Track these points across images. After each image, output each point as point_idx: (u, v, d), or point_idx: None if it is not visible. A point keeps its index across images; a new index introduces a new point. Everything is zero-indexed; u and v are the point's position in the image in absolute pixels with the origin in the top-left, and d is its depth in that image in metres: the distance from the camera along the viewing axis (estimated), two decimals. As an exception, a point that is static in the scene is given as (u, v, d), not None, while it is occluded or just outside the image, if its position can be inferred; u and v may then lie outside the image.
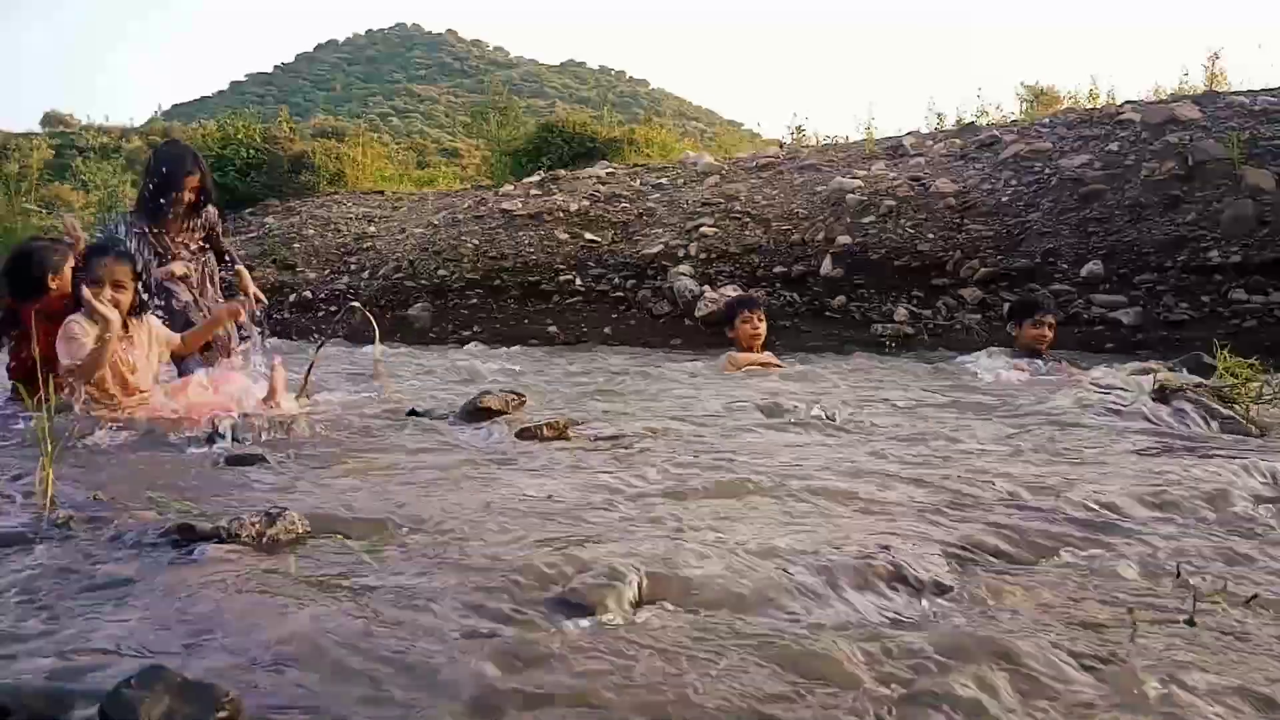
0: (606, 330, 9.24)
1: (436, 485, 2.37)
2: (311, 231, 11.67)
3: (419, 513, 2.06)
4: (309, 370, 3.95)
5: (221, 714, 1.07)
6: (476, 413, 3.52)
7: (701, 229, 9.05)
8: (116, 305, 3.52)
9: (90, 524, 1.95)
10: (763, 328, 6.27)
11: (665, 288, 8.99)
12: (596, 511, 2.11)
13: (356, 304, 4.17)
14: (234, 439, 2.98)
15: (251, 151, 12.89)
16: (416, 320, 10.22)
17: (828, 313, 8.23)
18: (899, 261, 8.16)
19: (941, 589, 1.68)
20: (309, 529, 1.89)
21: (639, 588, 1.59)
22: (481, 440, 3.09)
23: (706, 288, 8.71)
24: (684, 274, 8.85)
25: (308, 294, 11.03)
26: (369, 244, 11.17)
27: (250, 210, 12.93)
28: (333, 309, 10.87)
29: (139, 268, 3.75)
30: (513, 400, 3.73)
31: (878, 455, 2.85)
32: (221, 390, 3.79)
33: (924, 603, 1.63)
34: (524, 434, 3.11)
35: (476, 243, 10.11)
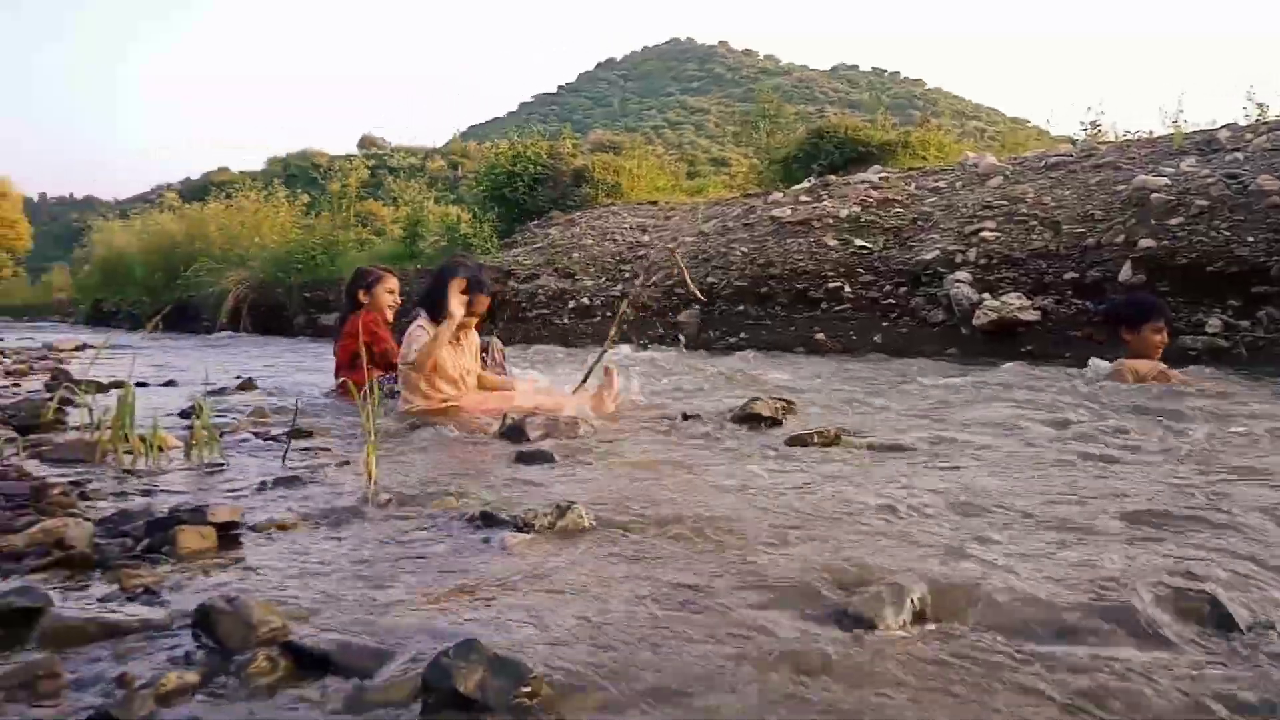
0: (876, 338, 9.01)
1: (711, 488, 2.42)
2: (589, 241, 12.26)
3: (697, 513, 2.11)
4: (599, 357, 4.18)
5: (526, 688, 1.16)
6: (747, 418, 3.55)
7: (982, 233, 8.61)
8: (472, 314, 3.99)
9: (406, 506, 2.17)
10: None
11: (940, 295, 8.63)
12: (873, 521, 2.07)
13: (671, 245, 4.39)
14: (526, 436, 3.20)
15: (538, 168, 13.75)
16: (686, 326, 10.46)
17: (1125, 323, 7.55)
18: (1212, 267, 7.35)
19: (1267, 628, 1.50)
20: (594, 522, 1.99)
21: (919, 603, 1.54)
22: (753, 446, 3.12)
23: (986, 295, 8.27)
24: (962, 281, 8.46)
25: (585, 300, 11.59)
26: (642, 252, 11.58)
27: (535, 222, 13.78)
28: (608, 314, 11.38)
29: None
30: (782, 407, 3.74)
31: (1190, 481, 2.58)
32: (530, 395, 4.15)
33: (1243, 642, 1.46)
34: (795, 441, 3.10)
35: (745, 250, 10.20)
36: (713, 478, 2.55)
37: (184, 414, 3.68)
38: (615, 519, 2.05)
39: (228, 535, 1.87)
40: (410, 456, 2.91)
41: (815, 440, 3.07)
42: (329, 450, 3.00)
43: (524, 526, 1.93)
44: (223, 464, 2.61)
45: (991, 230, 8.57)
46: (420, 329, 4.29)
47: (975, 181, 9.71)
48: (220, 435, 3.13)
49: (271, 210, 19.45)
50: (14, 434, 2.99)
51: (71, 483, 2.28)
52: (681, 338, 9.82)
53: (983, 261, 8.47)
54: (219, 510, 1.87)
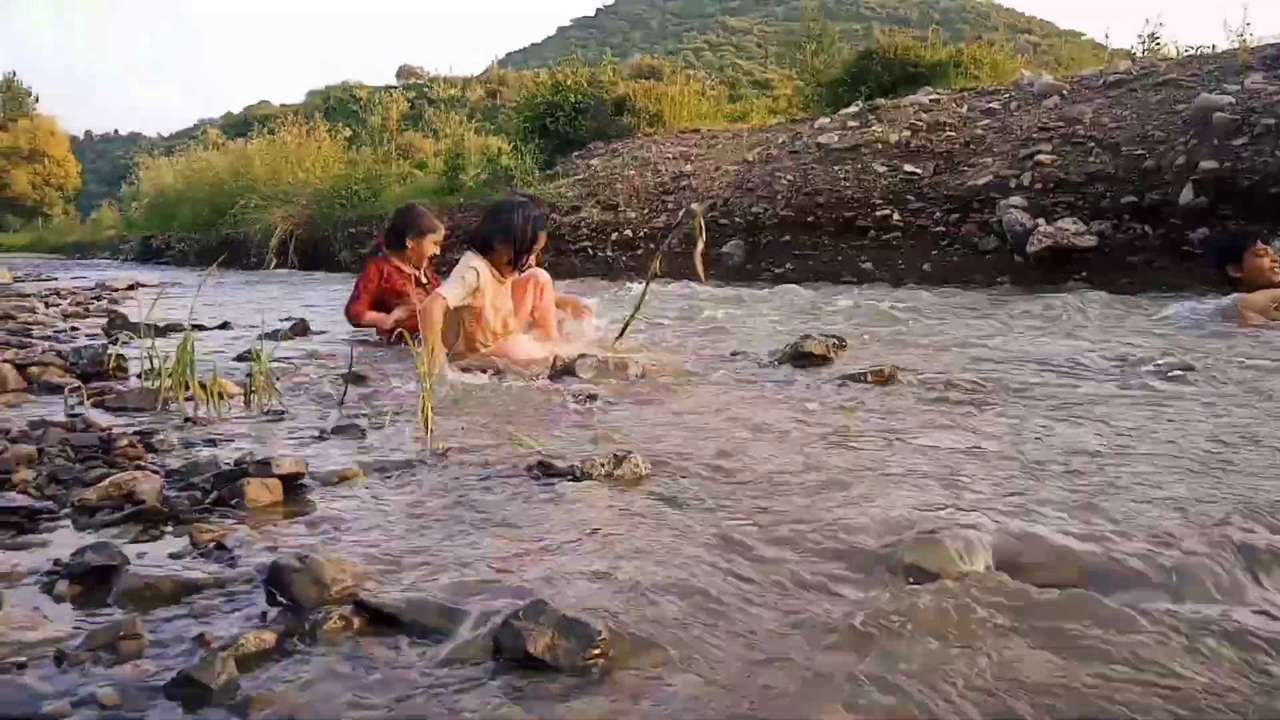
0: (926, 267, 8.85)
1: (764, 431, 2.41)
2: (632, 172, 12.11)
3: (751, 459, 2.10)
4: (644, 289, 4.15)
5: (595, 650, 1.16)
6: (799, 357, 3.52)
7: (1037, 157, 8.35)
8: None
9: (464, 454, 2.18)
10: None
11: (993, 221, 8.43)
12: (934, 468, 2.05)
13: (696, 206, 4.31)
14: (577, 377, 3.20)
15: (579, 97, 13.55)
16: (730, 257, 10.35)
17: (1185, 247, 7.33)
18: (1276, 188, 7.08)
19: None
20: (650, 470, 1.99)
21: (985, 554, 1.52)
22: (804, 386, 3.09)
23: (1041, 221, 8.06)
24: (1015, 206, 8.24)
25: (628, 233, 11.50)
26: (685, 182, 11.42)
27: (577, 153, 13.63)
28: (651, 246, 11.29)
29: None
30: (834, 344, 3.69)
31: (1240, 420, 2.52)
32: (570, 336, 4.13)
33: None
34: (848, 379, 3.07)
35: (791, 179, 10.02)
36: (766, 418, 2.53)
37: (241, 358, 3.73)
38: (670, 464, 2.05)
39: (293, 487, 1.90)
40: (462, 400, 2.92)
41: (869, 378, 3.03)
42: (384, 394, 3.03)
43: (582, 476, 1.93)
44: (282, 411, 2.64)
45: (1047, 153, 8.31)
46: (472, 270, 4.23)
47: (1031, 102, 9.39)
48: (277, 380, 3.17)
49: (313, 145, 19.44)
50: (77, 382, 3.05)
51: (137, 433, 2.32)
52: (702, 280, 9.72)
53: (1038, 186, 8.23)
54: (284, 462, 1.90)
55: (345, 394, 2.78)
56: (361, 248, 15.89)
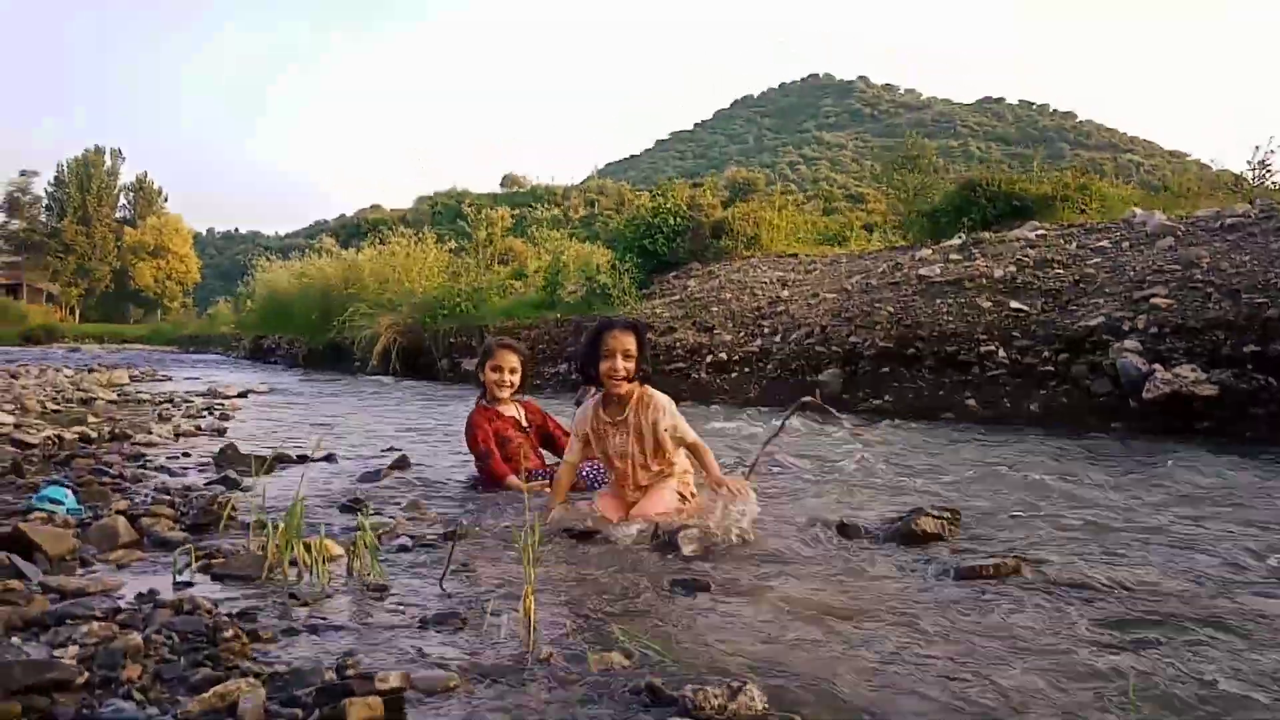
0: (1033, 407, 8.56)
1: (882, 650, 2.26)
2: (728, 295, 12.17)
3: (872, 695, 1.96)
4: (758, 455, 4.04)
5: None
6: (910, 536, 3.36)
7: (1152, 300, 8.09)
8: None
9: (567, 663, 2.10)
10: None
11: (1105, 364, 8.14)
12: (1073, 697, 1.87)
13: (809, 398, 4.19)
14: (680, 551, 3.11)
15: (677, 219, 13.80)
16: (827, 386, 10.21)
17: (1314, 401, 6.93)
18: None
19: None
20: (767, 706, 1.87)
21: None
22: (921, 578, 2.93)
23: (1157, 366, 7.75)
24: (1130, 350, 7.95)
25: (723, 355, 11.49)
26: (782, 307, 11.41)
27: (674, 274, 13.81)
28: (746, 370, 11.24)
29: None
30: (947, 519, 3.53)
31: None
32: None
33: None
34: (967, 573, 2.90)
35: (891, 309, 9.90)
36: (882, 631, 2.39)
37: (345, 509, 3.75)
38: (786, 697, 1.93)
39: (395, 700, 1.84)
40: (562, 578, 2.85)
41: (991, 572, 2.86)
42: (486, 566, 2.98)
43: (694, 709, 1.83)
44: (384, 587, 2.61)
45: (1163, 297, 8.04)
46: (581, 413, 4.00)
47: (1143, 242, 9.16)
48: (380, 540, 3.17)
49: (420, 255, 20.21)
50: (186, 535, 3.10)
51: (241, 614, 2.32)
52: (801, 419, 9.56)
53: (1153, 330, 7.95)
54: (388, 677, 1.85)
55: (446, 570, 2.74)
56: (460, 356, 16.27)
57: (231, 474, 4.36)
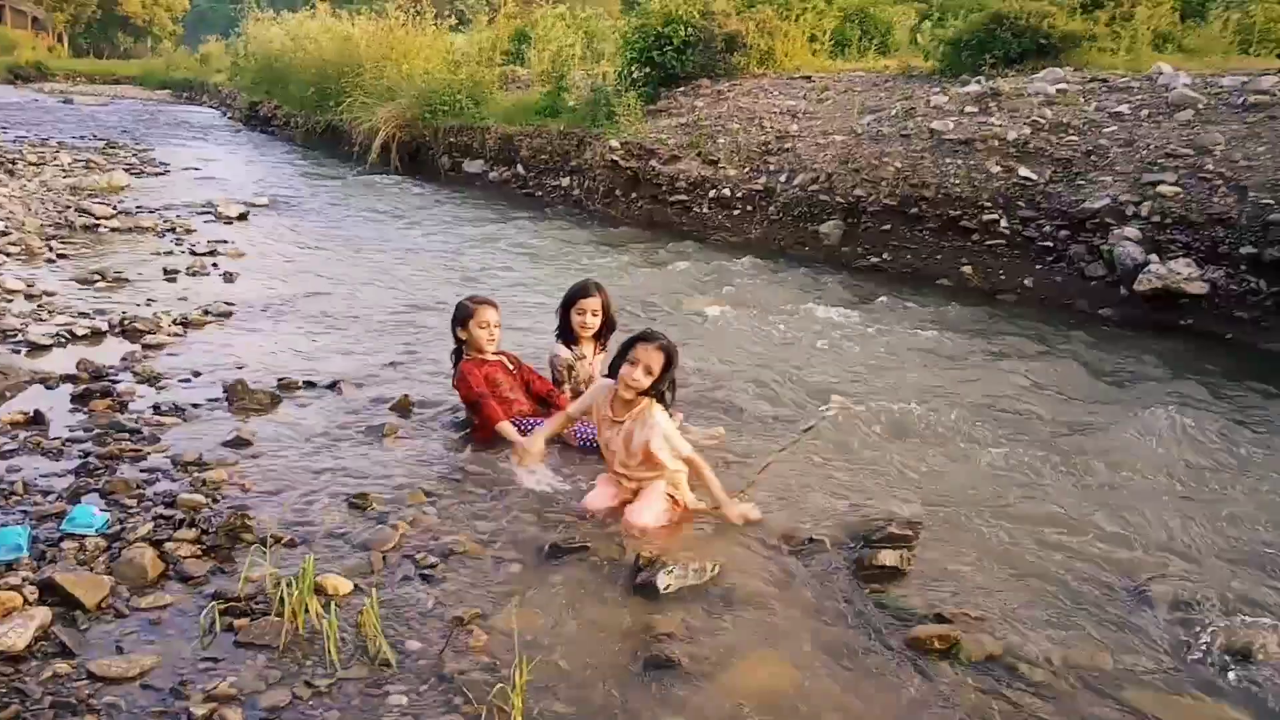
0: (1027, 281, 8.68)
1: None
2: (736, 126, 11.84)
3: None
4: (762, 470, 4.26)
5: None
6: (871, 571, 3.66)
7: (1160, 187, 7.98)
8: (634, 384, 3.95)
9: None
10: None
11: (1103, 248, 8.17)
12: None
13: (814, 425, 4.36)
14: (657, 591, 3.42)
15: (688, 30, 13.12)
16: (827, 237, 10.24)
17: (1298, 310, 7.06)
18: None
19: None
20: None
21: None
22: (877, 639, 3.23)
23: (1153, 257, 7.81)
24: (1129, 238, 7.96)
25: (726, 191, 11.40)
26: (789, 144, 11.16)
27: (682, 90, 13.32)
28: (749, 208, 11.18)
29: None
30: (907, 545, 3.81)
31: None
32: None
33: None
34: (914, 644, 3.22)
35: (899, 165, 9.74)
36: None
37: (353, 505, 4.00)
38: None
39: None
40: (543, 626, 3.18)
41: (935, 644, 3.18)
42: (477, 598, 3.31)
43: None
44: (388, 664, 2.94)
45: (1170, 185, 7.93)
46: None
47: (1163, 111, 8.86)
48: (384, 559, 3.50)
49: (420, 34, 19.31)
50: (209, 569, 3.40)
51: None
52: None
53: (1155, 219, 7.92)
54: None
55: (451, 639, 3.07)
56: (462, 157, 16.00)
57: (241, 432, 4.61)
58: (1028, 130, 9.23)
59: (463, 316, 4.82)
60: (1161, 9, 12.20)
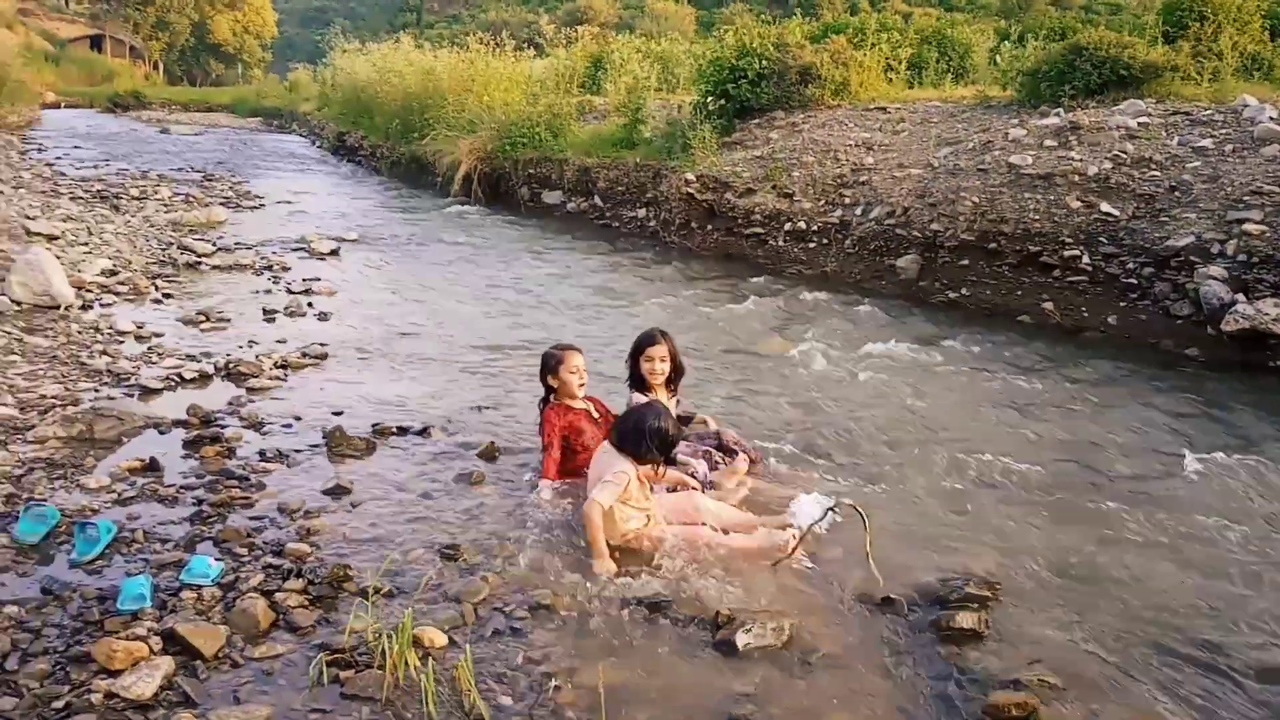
0: (1110, 319, 8.58)
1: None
2: (810, 158, 11.91)
3: None
4: (806, 532, 4.35)
5: None
6: (949, 633, 3.73)
7: (1246, 225, 7.84)
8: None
9: None
10: None
11: (1189, 286, 8.04)
12: None
13: (849, 501, 4.43)
14: (736, 650, 3.55)
15: (763, 63, 13.24)
16: (903, 272, 10.25)
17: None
18: None
19: None
20: None
21: None
22: (959, 690, 3.32)
23: (1240, 296, 7.66)
24: (1215, 277, 7.83)
25: (801, 224, 11.47)
26: (865, 177, 11.20)
27: (757, 122, 13.45)
28: (824, 241, 11.24)
29: None
30: (985, 608, 3.87)
31: None
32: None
33: None
34: (992, 712, 3.28)
35: (976, 200, 9.71)
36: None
37: (445, 554, 4.23)
38: None
39: None
40: (629, 681, 3.34)
41: (1012, 712, 3.24)
42: (564, 654, 3.48)
43: None
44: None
45: (1256, 223, 7.79)
46: (623, 473, 4.29)
47: (1248, 146, 8.69)
48: (475, 612, 3.70)
49: (499, 66, 19.82)
50: (315, 620, 3.64)
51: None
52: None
53: (1241, 258, 7.77)
54: None
55: (536, 705, 3.25)
56: (540, 188, 16.36)
57: (341, 480, 4.88)
58: (1109, 165, 9.13)
59: (552, 365, 5.02)
60: (1251, 29, 11.94)
